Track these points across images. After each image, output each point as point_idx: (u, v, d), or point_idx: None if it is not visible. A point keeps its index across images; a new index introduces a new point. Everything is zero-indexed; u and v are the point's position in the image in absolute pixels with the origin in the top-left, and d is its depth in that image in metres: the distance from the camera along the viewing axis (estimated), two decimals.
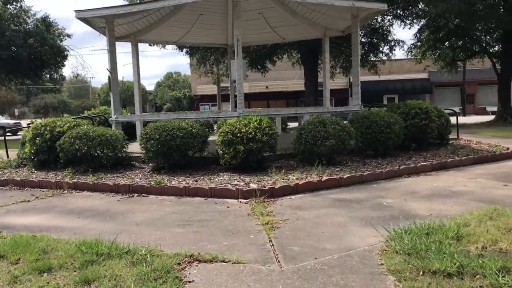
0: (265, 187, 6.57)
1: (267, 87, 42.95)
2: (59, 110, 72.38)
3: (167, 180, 7.45)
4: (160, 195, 6.79)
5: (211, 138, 9.06)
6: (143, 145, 8.39)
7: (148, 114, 10.70)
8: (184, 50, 28.55)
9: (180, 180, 7.43)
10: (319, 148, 8.22)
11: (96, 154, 8.63)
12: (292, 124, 21.51)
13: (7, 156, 11.26)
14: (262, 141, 7.74)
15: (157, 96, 63.70)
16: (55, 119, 9.87)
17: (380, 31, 24.45)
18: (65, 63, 28.22)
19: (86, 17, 9.86)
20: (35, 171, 9.19)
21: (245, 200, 6.18)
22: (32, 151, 9.38)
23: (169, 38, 14.62)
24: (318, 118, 8.72)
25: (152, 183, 7.08)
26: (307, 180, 6.85)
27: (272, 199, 6.22)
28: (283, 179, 7.08)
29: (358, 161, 8.86)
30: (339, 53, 25.10)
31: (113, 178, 7.86)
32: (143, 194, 6.88)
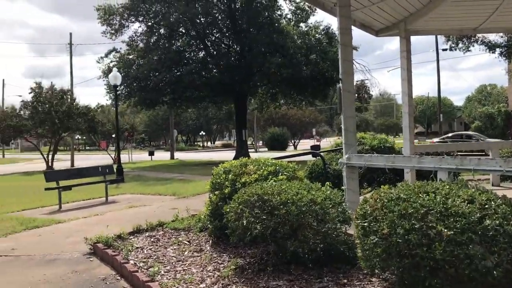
0: None
1: None
2: (360, 129, 71.83)
3: None
4: None
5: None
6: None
7: (391, 157, 5.61)
8: (497, 51, 21.41)
9: None
10: None
11: (281, 238, 4.37)
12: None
13: None
14: None
15: (464, 113, 55.00)
16: (248, 160, 6.08)
17: None
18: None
19: None
20: (208, 247, 5.65)
21: None
22: (208, 212, 5.87)
23: (460, 24, 8.96)
24: None
25: None
26: None
27: None
28: None
29: None
30: None
31: None
32: None
